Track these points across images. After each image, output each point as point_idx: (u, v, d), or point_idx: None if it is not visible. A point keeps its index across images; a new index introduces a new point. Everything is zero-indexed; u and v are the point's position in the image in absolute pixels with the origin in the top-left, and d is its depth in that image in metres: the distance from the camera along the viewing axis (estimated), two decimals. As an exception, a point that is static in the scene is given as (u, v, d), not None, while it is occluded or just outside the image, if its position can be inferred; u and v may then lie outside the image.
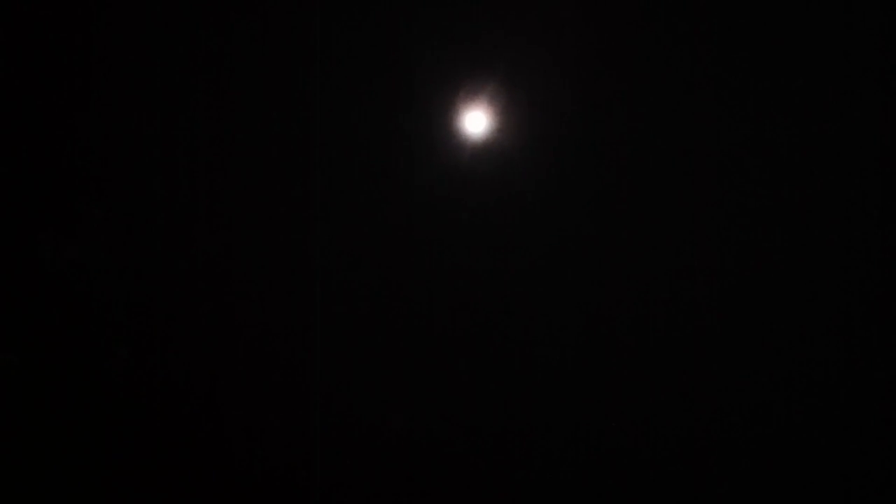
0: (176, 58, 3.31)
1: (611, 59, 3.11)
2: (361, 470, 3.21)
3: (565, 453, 3.12)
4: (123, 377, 3.31)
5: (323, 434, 3.23)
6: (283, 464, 3.25)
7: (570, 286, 3.11)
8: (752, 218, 3.05)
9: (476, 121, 3.13)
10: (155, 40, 3.32)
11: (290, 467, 3.24)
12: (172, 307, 3.29)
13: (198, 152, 3.30)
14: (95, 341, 3.32)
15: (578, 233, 3.11)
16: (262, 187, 3.26)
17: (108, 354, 3.31)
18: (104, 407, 3.32)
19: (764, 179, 3.03)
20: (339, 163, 3.21)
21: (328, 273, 3.21)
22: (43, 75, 3.37)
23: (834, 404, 3.01)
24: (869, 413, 3.00)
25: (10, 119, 3.38)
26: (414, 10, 3.18)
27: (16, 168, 3.38)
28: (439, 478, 3.18)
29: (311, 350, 3.24)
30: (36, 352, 3.34)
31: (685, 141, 3.07)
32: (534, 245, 3.13)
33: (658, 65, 3.08)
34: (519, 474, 3.14)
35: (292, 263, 3.23)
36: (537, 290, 3.13)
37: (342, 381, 3.23)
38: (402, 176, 3.17)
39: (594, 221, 3.11)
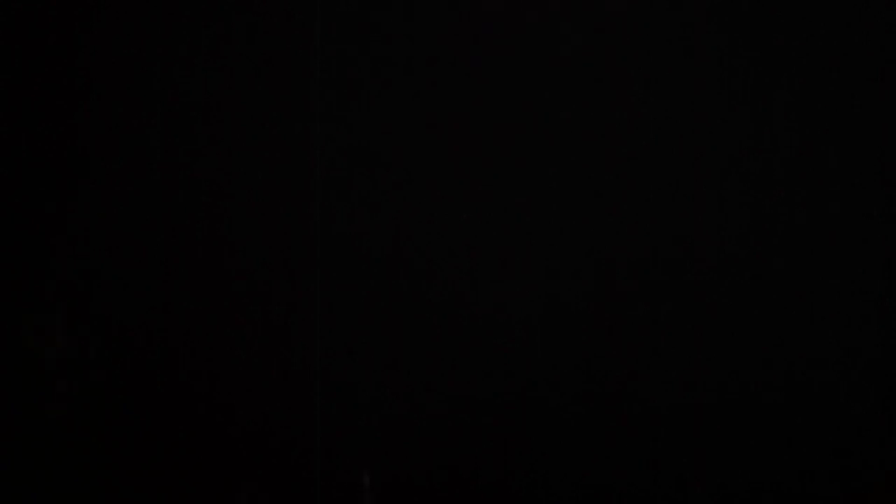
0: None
1: None
2: (361, 463, 3.22)
3: (564, 449, 3.13)
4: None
5: (323, 431, 3.23)
6: (284, 457, 3.26)
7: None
8: (756, 210, 3.05)
9: None
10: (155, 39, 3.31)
11: (290, 461, 3.25)
12: (173, 306, 3.29)
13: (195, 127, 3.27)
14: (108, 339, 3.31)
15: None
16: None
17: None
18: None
19: (766, 177, 3.04)
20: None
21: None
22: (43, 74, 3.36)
23: (832, 402, 3.02)
24: (868, 411, 3.01)
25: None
26: None
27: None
28: (438, 475, 3.19)
29: (312, 343, 3.24)
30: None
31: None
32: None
33: None
34: (519, 470, 3.15)
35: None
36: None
37: (342, 377, 3.23)
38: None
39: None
